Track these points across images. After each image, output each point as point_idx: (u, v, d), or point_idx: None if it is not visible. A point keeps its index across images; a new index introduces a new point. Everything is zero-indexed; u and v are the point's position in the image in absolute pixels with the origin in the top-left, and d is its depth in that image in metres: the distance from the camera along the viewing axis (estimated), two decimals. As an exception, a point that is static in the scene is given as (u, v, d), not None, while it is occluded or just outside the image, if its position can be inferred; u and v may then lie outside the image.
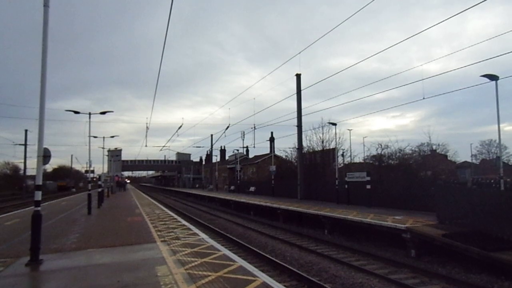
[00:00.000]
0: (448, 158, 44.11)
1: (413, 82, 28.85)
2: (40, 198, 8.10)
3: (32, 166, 54.68)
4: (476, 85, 16.07)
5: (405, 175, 25.60)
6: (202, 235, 11.16)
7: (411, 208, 17.29)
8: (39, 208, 7.95)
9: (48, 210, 21.80)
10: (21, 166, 58.10)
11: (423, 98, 17.73)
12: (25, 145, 52.17)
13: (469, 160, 50.62)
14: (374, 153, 34.25)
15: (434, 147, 38.15)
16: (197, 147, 59.66)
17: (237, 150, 54.60)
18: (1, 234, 12.38)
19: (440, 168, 32.57)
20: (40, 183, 8.29)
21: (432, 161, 33.86)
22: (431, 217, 13.67)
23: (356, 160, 38.68)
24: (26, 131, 52.55)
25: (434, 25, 18.41)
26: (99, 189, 26.91)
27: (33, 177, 57.04)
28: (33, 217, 7.82)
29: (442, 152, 42.68)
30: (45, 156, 8.44)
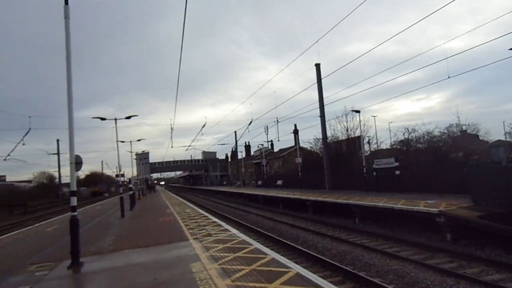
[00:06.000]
0: (480, 138, 42.58)
1: (436, 62, 27.84)
2: (75, 204, 8.41)
3: (66, 174, 56.87)
4: (505, 58, 15.34)
5: (435, 158, 24.91)
6: (233, 231, 11.29)
7: (443, 192, 16.85)
8: (75, 213, 8.25)
9: (84, 215, 22.61)
10: (56, 174, 60.50)
11: (448, 77, 17.17)
12: (58, 154, 54.34)
13: (502, 138, 48.60)
14: (401, 138, 33.55)
15: (464, 127, 36.98)
16: (221, 144, 60.24)
17: (262, 144, 54.66)
18: (44, 240, 12.97)
19: (471, 149, 31.45)
20: (75, 189, 8.62)
21: (463, 142, 32.79)
22: (465, 200, 13.28)
23: (383, 146, 38.03)
24: (58, 140, 54.74)
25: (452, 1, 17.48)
26: (130, 192, 27.64)
27: (68, 185, 59.41)
28: (71, 222, 8.14)
29: (473, 132, 41.28)
30: (77, 162, 8.74)
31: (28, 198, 51.33)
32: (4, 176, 69.14)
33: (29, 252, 10.43)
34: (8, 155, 37.62)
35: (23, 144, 35.46)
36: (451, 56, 17.68)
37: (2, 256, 10.28)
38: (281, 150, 61.37)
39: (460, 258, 9.49)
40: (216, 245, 8.99)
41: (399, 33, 32.91)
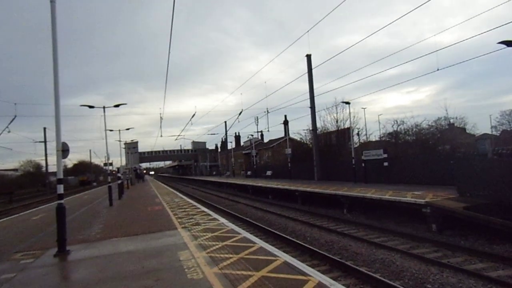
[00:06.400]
0: (467, 131, 43.15)
1: (426, 55, 28.05)
2: (62, 191, 8.30)
3: (53, 163, 56.16)
4: (493, 51, 15.48)
5: (423, 150, 25.24)
6: (222, 220, 11.31)
7: (430, 183, 17.11)
8: (62, 201, 8.15)
9: (71, 204, 22.41)
10: (43, 163, 59.63)
11: (437, 70, 17.30)
12: (45, 142, 53.43)
13: (489, 132, 49.45)
14: (390, 130, 33.91)
15: (451, 120, 37.41)
16: (211, 134, 60.38)
17: (252, 135, 54.68)
18: (29, 228, 12.82)
19: (458, 142, 31.92)
20: (61, 176, 8.50)
21: (450, 135, 33.23)
22: (451, 191, 13.50)
23: (372, 138, 38.36)
24: (44, 128, 53.77)
25: None
26: (119, 181, 27.44)
27: (55, 173, 58.55)
28: (57, 210, 8.05)
29: (461, 126, 41.77)
30: (64, 150, 8.61)
31: (14, 186, 50.64)
32: (-11, 164, 68.00)
33: (15, 240, 10.30)
34: (-7, 142, 36.86)
35: (9, 132, 34.75)
36: (440, 49, 17.91)
37: (-14, 244, 10.14)
38: (271, 141, 61.51)
39: (444, 248, 9.68)
40: (204, 234, 9.00)
41: (388, 24, 32.92)
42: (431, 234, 11.23)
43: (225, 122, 57.67)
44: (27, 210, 23.49)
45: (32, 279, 6.16)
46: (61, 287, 5.97)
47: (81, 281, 5.92)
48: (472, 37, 34.82)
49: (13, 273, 6.53)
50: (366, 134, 38.13)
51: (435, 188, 15.58)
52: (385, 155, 20.78)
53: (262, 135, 64.66)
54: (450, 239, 10.55)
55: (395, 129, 33.14)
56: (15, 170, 67.69)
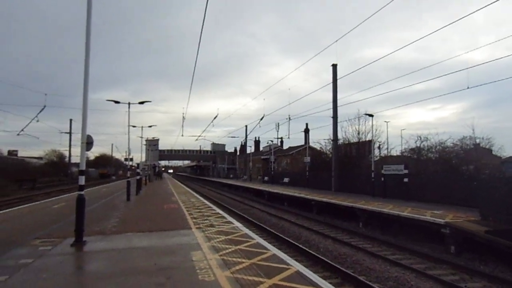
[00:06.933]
0: (493, 153, 41.80)
1: (456, 71, 27.27)
2: (83, 183, 8.50)
3: (76, 154, 57.65)
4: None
5: (446, 169, 24.58)
6: (236, 224, 11.31)
7: (451, 203, 16.64)
8: (82, 192, 8.34)
9: (90, 195, 22.89)
10: (67, 153, 61.33)
11: (468, 88, 16.82)
12: (70, 133, 55.05)
13: (516, 155, 47.73)
14: (413, 145, 33.16)
15: (477, 140, 36.27)
16: (231, 137, 60.28)
17: (271, 141, 54.60)
18: (50, 216, 13.18)
19: (483, 163, 30.94)
20: (84, 168, 8.71)
21: (475, 155, 32.24)
22: (473, 213, 13.08)
23: (393, 153, 37.62)
24: (71, 120, 55.43)
25: (478, 10, 17.08)
26: (138, 177, 27.89)
27: (77, 165, 60.11)
28: (77, 200, 8.23)
29: (487, 146, 40.49)
30: (88, 142, 8.83)
31: (38, 174, 52.12)
32: (16, 151, 70.18)
33: (35, 227, 10.60)
34: (22, 130, 38.10)
35: (37, 121, 35.91)
36: (472, 66, 17.22)
37: (8, 229, 10.48)
38: (290, 148, 61.25)
39: (462, 271, 9.37)
40: (218, 236, 9.02)
41: (418, 40, 32.44)
42: (449, 256, 10.90)
43: (246, 126, 57.87)
44: (48, 198, 24.19)
45: (48, 266, 6.30)
46: (75, 277, 6.08)
47: (95, 272, 6.03)
48: (504, 57, 33.78)
49: (31, 259, 6.71)
50: (387, 148, 37.45)
51: (455, 208, 15.15)
52: (406, 171, 20.35)
53: (282, 142, 64.51)
54: (469, 262, 10.21)
55: (418, 145, 32.40)
56: (39, 158, 69.72)
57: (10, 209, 16.32)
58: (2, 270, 5.98)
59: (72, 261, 7.02)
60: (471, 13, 13.99)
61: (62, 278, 5.74)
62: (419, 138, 31.94)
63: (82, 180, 8.49)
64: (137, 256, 7.00)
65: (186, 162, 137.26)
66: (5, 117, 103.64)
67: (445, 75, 29.28)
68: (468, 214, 13.20)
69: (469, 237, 10.64)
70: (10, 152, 66.16)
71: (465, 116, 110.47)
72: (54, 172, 62.82)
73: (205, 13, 10.90)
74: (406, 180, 20.20)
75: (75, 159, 59.57)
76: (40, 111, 34.78)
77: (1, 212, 15.20)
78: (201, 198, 22.25)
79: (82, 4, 8.48)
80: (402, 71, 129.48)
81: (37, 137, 47.71)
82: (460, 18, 14.91)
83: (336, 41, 24.57)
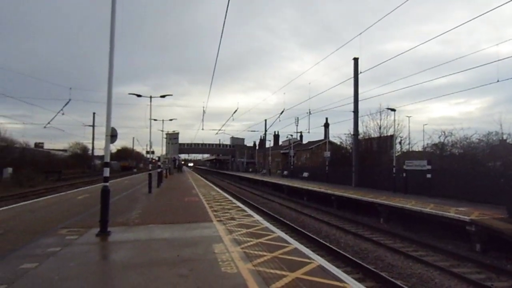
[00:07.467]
0: (521, 149, 40.39)
1: (485, 64, 26.17)
2: (108, 175, 8.67)
3: (99, 147, 58.96)
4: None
5: (471, 165, 23.91)
6: (257, 217, 11.33)
7: (476, 200, 16.19)
8: (107, 184, 8.52)
9: (113, 187, 23.20)
10: (90, 146, 62.82)
11: (498, 81, 16.22)
12: (93, 126, 56.33)
13: (545, 151, 45.97)
14: (436, 141, 32.40)
15: (505, 136, 35.08)
16: (251, 131, 60.43)
17: (291, 135, 54.39)
18: (75, 207, 13.56)
19: (510, 159, 29.95)
20: (108, 160, 8.89)
21: (502, 151, 31.22)
22: (499, 211, 12.70)
23: (415, 148, 36.87)
24: (94, 114, 56.73)
25: (507, 2, 16.32)
26: (159, 170, 28.32)
27: (100, 157, 61.53)
28: (102, 191, 8.41)
29: (514, 142, 39.12)
30: (112, 135, 8.98)
31: (63, 166, 53.68)
32: (43, 143, 72.46)
33: (61, 217, 10.91)
34: (48, 123, 39.34)
35: (63, 114, 36.95)
36: (502, 59, 16.38)
37: (36, 218, 10.82)
38: (310, 143, 60.86)
39: (489, 270, 9.12)
40: (239, 229, 9.06)
41: (443, 33, 31.38)
42: (475, 254, 10.63)
43: (265, 120, 57.85)
44: (73, 189, 24.90)
45: (75, 255, 6.48)
46: (101, 266, 6.23)
47: (119, 262, 6.16)
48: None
49: (58, 247, 6.92)
50: (409, 143, 36.73)
51: (481, 205, 14.73)
52: (429, 167, 19.90)
53: (301, 136, 64.03)
54: (495, 261, 9.94)
55: (442, 140, 31.63)
56: (64, 150, 71.76)
57: (37, 200, 16.88)
58: (31, 258, 6.18)
59: (98, 251, 7.20)
60: (499, 6, 13.40)
61: (89, 266, 5.89)
62: (443, 133, 31.20)
63: (106, 172, 8.66)
64: (160, 248, 7.11)
65: (206, 156, 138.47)
66: (32, 111, 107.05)
67: (473, 68, 28.19)
68: (494, 211, 12.83)
69: (496, 235, 10.34)
70: (36, 144, 68.39)
71: (490, 112, 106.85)
72: (78, 164, 64.56)
73: (227, 7, 10.90)
74: (429, 175, 19.78)
75: (98, 152, 61.03)
76: (65, 105, 35.82)
77: (29, 202, 15.74)
78: (221, 191, 22.41)
79: (106, 2, 8.60)
80: (425, 65, 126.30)
81: (63, 129, 49.10)
82: (488, 11, 14.25)
83: (360, 34, 24.18)
